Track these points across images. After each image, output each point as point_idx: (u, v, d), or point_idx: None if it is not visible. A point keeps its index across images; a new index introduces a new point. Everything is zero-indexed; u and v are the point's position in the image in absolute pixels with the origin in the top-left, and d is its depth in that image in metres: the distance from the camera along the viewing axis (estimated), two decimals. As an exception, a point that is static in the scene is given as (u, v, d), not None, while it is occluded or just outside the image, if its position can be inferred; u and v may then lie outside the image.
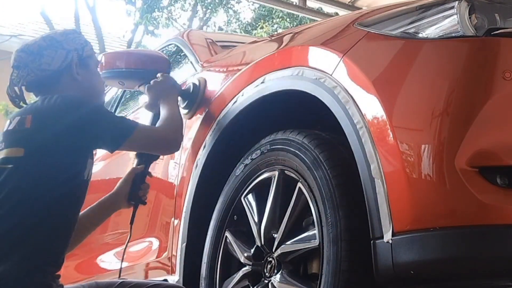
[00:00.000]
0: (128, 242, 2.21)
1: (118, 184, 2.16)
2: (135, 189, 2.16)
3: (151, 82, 2.24)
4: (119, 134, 1.86)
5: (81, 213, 1.97)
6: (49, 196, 1.72)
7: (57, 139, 1.75)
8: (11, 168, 1.73)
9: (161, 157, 2.52)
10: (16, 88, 1.91)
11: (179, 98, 2.32)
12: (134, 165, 2.22)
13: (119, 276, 2.23)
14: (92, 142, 1.84)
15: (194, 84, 2.36)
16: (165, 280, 2.23)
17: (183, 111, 2.30)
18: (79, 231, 1.97)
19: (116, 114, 3.55)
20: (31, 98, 1.98)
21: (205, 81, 2.35)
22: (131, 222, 2.21)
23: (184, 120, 2.18)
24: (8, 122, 1.84)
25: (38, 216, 1.70)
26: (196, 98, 2.32)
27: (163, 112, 2.11)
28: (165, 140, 2.00)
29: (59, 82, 1.90)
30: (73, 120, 1.77)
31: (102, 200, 2.13)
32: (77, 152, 1.79)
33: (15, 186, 1.71)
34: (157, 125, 2.03)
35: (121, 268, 2.25)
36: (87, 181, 1.85)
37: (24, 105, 1.93)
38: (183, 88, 2.37)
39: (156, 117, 2.18)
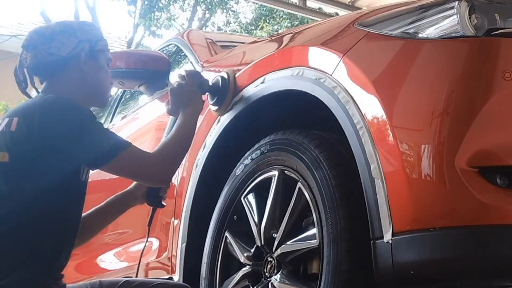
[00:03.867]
0: (146, 243, 2.19)
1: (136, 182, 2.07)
2: (155, 191, 2.06)
3: (175, 84, 2.07)
4: (100, 155, 1.72)
5: (96, 207, 1.94)
6: (42, 201, 1.68)
7: (40, 145, 1.68)
8: None
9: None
10: (25, 70, 1.87)
11: (208, 95, 2.17)
12: None
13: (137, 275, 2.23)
14: (72, 156, 1.71)
15: (222, 78, 2.17)
16: (170, 278, 2.22)
17: (213, 108, 2.17)
18: (93, 225, 1.98)
19: (115, 116, 3.55)
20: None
21: (234, 73, 2.17)
22: (149, 224, 2.17)
23: (217, 117, 2.11)
24: (0, 122, 1.78)
25: (33, 221, 1.67)
26: (226, 92, 2.13)
27: (174, 129, 1.93)
28: (154, 172, 1.80)
29: (65, 69, 1.85)
30: (55, 132, 1.68)
31: (118, 195, 2.07)
32: (64, 161, 1.71)
33: (2, 192, 1.67)
34: (157, 149, 1.84)
35: (138, 268, 2.25)
36: (85, 182, 1.82)
37: (32, 92, 1.89)
38: (210, 83, 2.18)
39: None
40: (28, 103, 1.77)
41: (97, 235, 2.96)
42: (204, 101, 2.09)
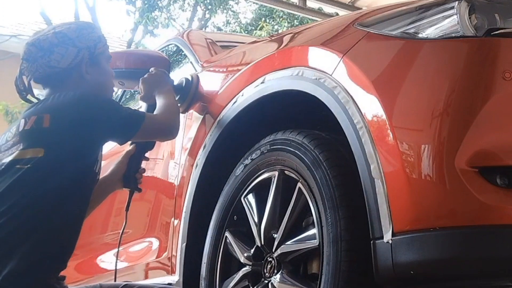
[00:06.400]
0: (123, 229, 2.22)
1: (113, 166, 2.17)
2: (131, 171, 2.16)
3: (146, 74, 2.25)
4: (130, 128, 1.88)
5: None
6: (64, 194, 1.72)
7: (74, 136, 1.75)
8: (29, 168, 1.70)
9: (161, 157, 2.52)
10: (24, 80, 1.89)
11: None
12: (129, 148, 2.21)
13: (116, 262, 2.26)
14: (104, 135, 1.86)
15: (186, 79, 2.37)
16: (169, 284, 2.22)
17: None
18: None
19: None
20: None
21: (197, 76, 2.38)
22: (127, 209, 2.21)
23: None
24: (22, 121, 1.80)
25: (53, 214, 1.70)
26: (189, 92, 2.34)
27: (159, 101, 2.12)
28: (167, 126, 2.02)
29: (68, 79, 1.89)
30: (89, 116, 1.78)
31: (98, 182, 2.09)
32: (91, 146, 1.81)
33: (34, 186, 1.69)
34: (155, 113, 2.05)
35: (118, 251, 2.27)
36: (97, 175, 1.87)
37: (32, 99, 1.92)
38: (175, 84, 2.36)
39: (151, 107, 2.19)
40: (55, 100, 1.82)
41: (97, 235, 2.98)
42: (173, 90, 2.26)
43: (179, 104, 2.31)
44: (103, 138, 1.87)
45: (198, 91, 2.34)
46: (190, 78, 2.38)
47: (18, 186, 1.69)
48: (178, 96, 2.33)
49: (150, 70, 2.28)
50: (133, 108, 2.01)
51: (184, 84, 2.37)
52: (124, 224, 2.21)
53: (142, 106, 2.32)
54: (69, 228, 1.76)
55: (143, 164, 2.23)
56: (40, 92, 1.96)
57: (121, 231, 2.23)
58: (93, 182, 1.87)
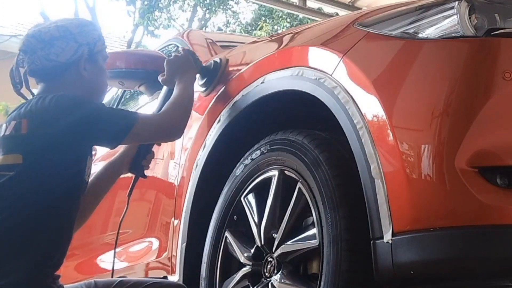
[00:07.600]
0: (124, 214, 2.16)
1: (123, 148, 2.10)
2: (139, 157, 2.10)
3: (172, 56, 2.17)
4: (118, 132, 1.79)
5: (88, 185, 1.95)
6: (50, 199, 1.70)
7: (55, 142, 1.71)
8: (10, 175, 1.68)
9: (161, 157, 2.52)
10: (20, 72, 1.86)
11: (198, 75, 2.26)
12: None
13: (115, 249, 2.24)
14: (90, 141, 1.80)
15: (215, 62, 2.29)
16: (165, 277, 2.22)
17: (200, 89, 2.26)
18: (89, 203, 1.97)
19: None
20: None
21: (227, 60, 2.28)
22: (129, 194, 2.17)
23: (198, 98, 2.15)
24: (4, 126, 1.78)
25: (40, 220, 1.68)
26: (216, 76, 2.25)
27: (175, 92, 2.03)
28: (168, 128, 1.92)
29: (64, 75, 1.85)
30: (69, 122, 1.72)
31: (105, 167, 2.09)
32: (76, 153, 1.76)
33: (15, 193, 1.68)
34: (163, 108, 1.96)
35: (117, 238, 2.23)
36: (86, 179, 1.84)
37: (28, 91, 1.89)
38: (204, 65, 2.28)
39: (169, 92, 2.10)
40: (33, 105, 1.77)
41: (97, 235, 2.98)
42: (196, 76, 2.19)
43: (203, 88, 2.25)
44: (86, 143, 1.79)
45: (224, 75, 2.23)
46: (218, 61, 2.28)
47: (2, 193, 1.68)
48: (205, 80, 2.27)
49: (179, 51, 2.17)
50: (126, 110, 1.93)
51: (212, 67, 2.28)
52: (125, 209, 2.15)
53: (162, 89, 2.21)
54: (60, 232, 1.74)
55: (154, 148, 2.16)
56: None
57: (121, 217, 2.17)
58: (83, 187, 1.83)
